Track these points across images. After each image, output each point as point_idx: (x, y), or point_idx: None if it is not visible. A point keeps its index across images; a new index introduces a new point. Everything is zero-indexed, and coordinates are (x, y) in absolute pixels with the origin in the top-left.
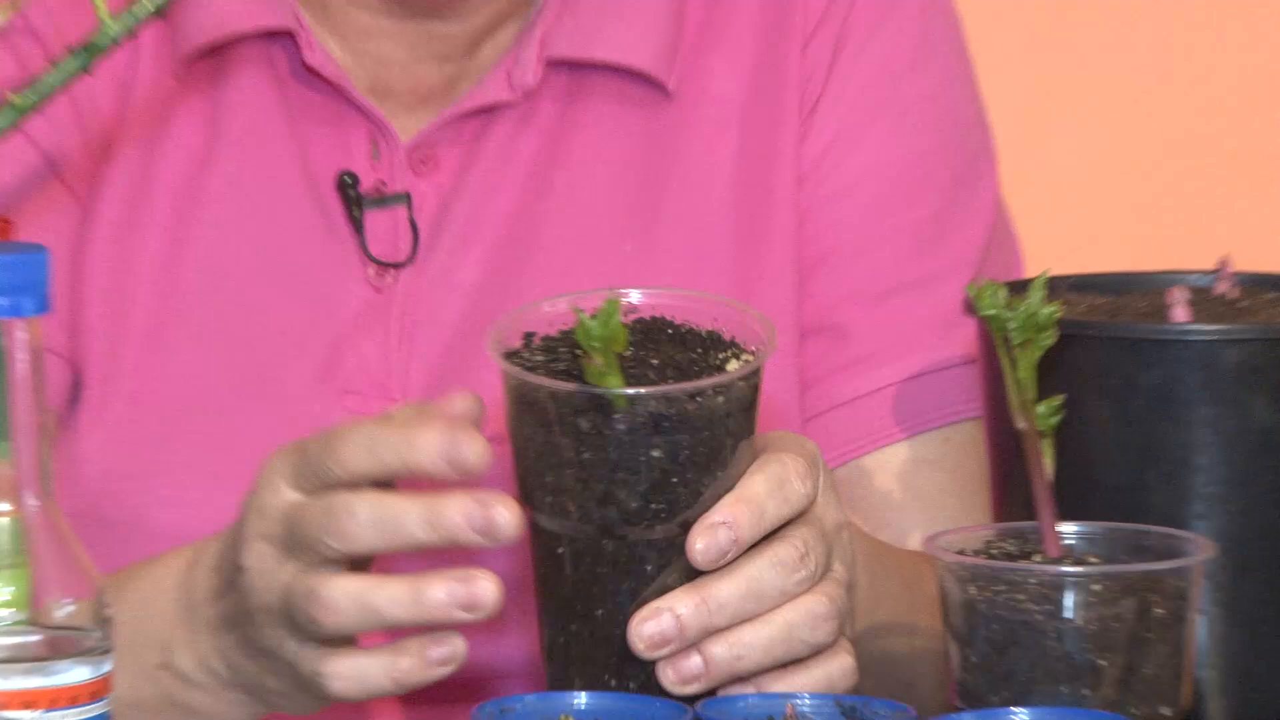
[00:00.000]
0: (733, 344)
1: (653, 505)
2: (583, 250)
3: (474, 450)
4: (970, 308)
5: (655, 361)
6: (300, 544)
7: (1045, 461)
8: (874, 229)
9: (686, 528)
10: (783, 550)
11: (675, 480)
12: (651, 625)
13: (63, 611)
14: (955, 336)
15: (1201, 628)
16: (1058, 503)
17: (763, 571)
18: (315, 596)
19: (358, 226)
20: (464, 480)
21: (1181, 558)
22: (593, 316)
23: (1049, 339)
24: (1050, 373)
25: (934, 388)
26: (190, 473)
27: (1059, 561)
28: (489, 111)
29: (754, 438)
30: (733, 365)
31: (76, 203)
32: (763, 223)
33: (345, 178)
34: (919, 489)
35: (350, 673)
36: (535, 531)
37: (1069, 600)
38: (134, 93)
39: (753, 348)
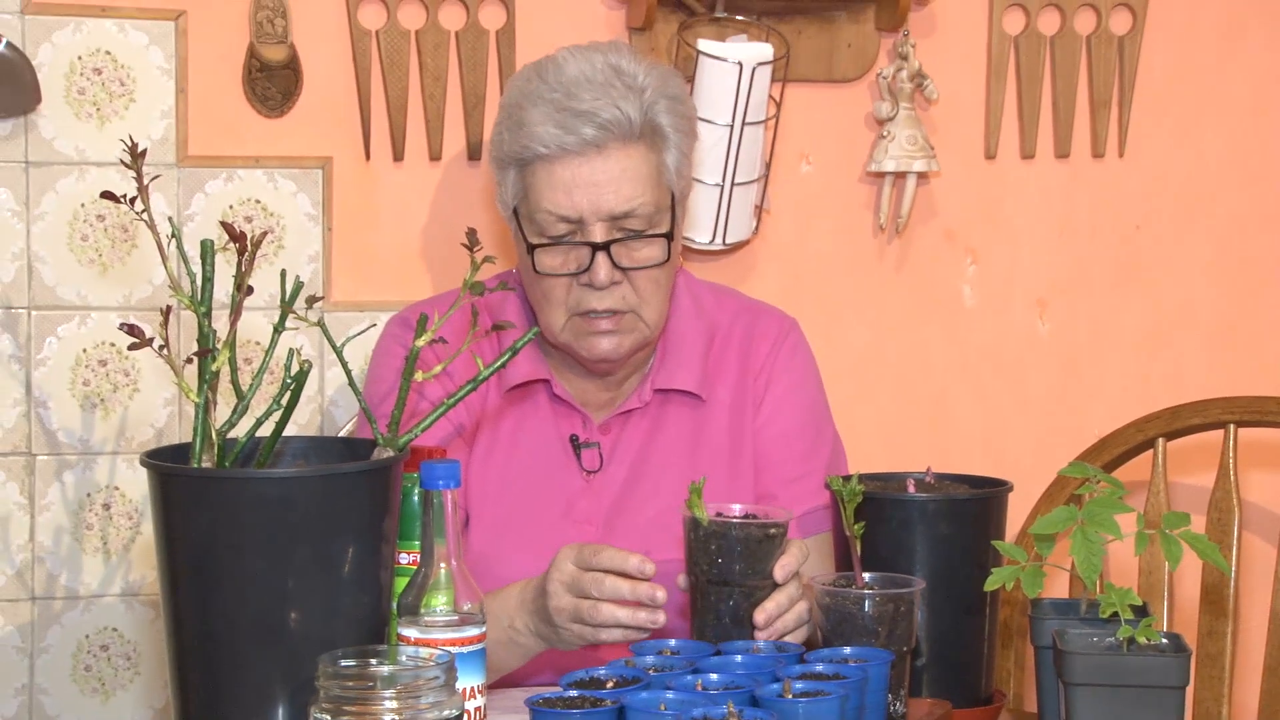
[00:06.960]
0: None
1: (732, 567)
2: (665, 475)
3: (640, 559)
4: (828, 486)
5: (735, 520)
6: (576, 589)
7: (856, 546)
8: (785, 450)
9: (750, 582)
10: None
11: (728, 561)
12: (772, 607)
13: (466, 606)
14: (822, 497)
15: None
16: (865, 561)
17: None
18: (594, 610)
19: (578, 455)
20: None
21: None
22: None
23: (858, 498)
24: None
25: (815, 518)
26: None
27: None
28: (630, 411)
29: (779, 550)
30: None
31: (467, 446)
32: (742, 457)
33: (573, 437)
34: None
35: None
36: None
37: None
38: (488, 401)
39: (779, 518)
